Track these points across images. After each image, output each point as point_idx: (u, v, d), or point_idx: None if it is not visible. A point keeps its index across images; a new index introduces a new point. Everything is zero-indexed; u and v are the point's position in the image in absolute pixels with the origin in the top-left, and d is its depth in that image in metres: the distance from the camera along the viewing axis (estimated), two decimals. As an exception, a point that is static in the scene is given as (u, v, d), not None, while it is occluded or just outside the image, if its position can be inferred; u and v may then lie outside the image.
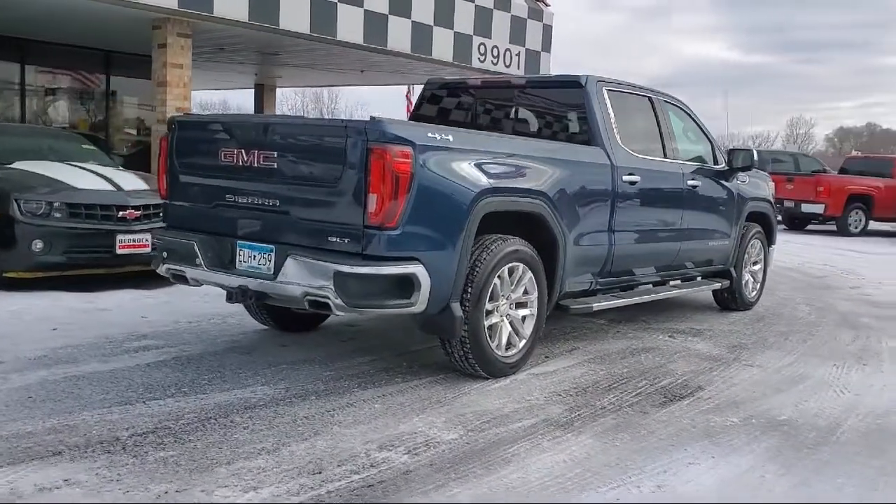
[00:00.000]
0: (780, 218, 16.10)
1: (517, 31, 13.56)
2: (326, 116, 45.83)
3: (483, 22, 12.83)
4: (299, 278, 4.54)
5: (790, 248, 13.96)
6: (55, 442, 3.71)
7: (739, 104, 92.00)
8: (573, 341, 6.30)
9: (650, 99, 6.79)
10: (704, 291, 7.71)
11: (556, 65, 14.17)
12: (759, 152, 13.19)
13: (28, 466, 3.44)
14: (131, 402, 4.34)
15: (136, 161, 10.71)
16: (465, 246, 4.73)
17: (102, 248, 7.27)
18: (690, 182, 6.92)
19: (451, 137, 4.69)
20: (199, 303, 7.06)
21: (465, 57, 12.63)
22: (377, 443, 3.90)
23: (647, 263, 6.60)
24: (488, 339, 4.98)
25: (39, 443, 3.70)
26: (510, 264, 5.06)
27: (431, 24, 11.87)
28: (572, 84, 6.10)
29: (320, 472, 3.52)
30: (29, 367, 4.93)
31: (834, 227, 19.39)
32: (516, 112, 6.53)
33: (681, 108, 7.27)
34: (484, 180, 4.82)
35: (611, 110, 6.13)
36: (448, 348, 4.98)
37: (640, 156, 6.32)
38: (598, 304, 5.96)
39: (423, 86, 7.01)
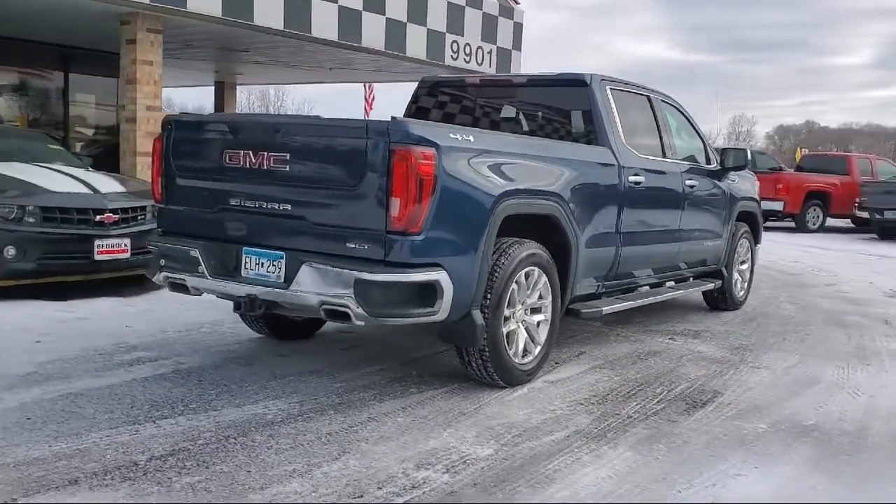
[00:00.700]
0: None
1: (489, 29, 13.41)
2: (275, 114, 45.36)
3: (456, 19, 12.64)
4: (316, 286, 4.30)
5: (758, 246, 14.06)
6: (69, 469, 3.43)
7: (682, 102, 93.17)
8: (578, 346, 6.16)
9: (648, 98, 6.70)
10: (696, 292, 7.64)
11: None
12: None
13: (45, 497, 3.16)
14: (139, 421, 4.06)
15: (99, 162, 10.25)
16: (487, 250, 4.55)
17: (79, 254, 6.90)
18: (688, 182, 6.84)
19: (471, 138, 4.50)
20: (181, 311, 6.75)
21: (439, 55, 12.44)
22: (412, 461, 3.70)
23: (648, 265, 6.50)
24: (506, 346, 4.81)
25: (52, 470, 3.41)
26: (527, 269, 4.89)
27: (405, 20, 11.65)
28: (576, 83, 5.96)
29: (362, 496, 3.31)
30: (19, 384, 4.60)
31: (792, 224, 19.68)
32: (518, 111, 6.36)
33: (674, 107, 7.19)
34: (504, 182, 4.65)
35: (615, 109, 6.01)
36: (465, 357, 4.80)
37: (643, 156, 6.22)
38: (608, 308, 5.84)
39: (416, 84, 6.79)
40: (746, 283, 8.42)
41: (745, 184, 8.09)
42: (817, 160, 22.67)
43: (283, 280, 4.51)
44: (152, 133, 9.29)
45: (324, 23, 10.43)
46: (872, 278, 11.41)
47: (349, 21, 10.79)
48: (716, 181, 7.40)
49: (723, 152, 7.53)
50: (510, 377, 4.88)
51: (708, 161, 7.42)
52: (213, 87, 17.30)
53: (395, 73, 13.84)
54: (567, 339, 6.31)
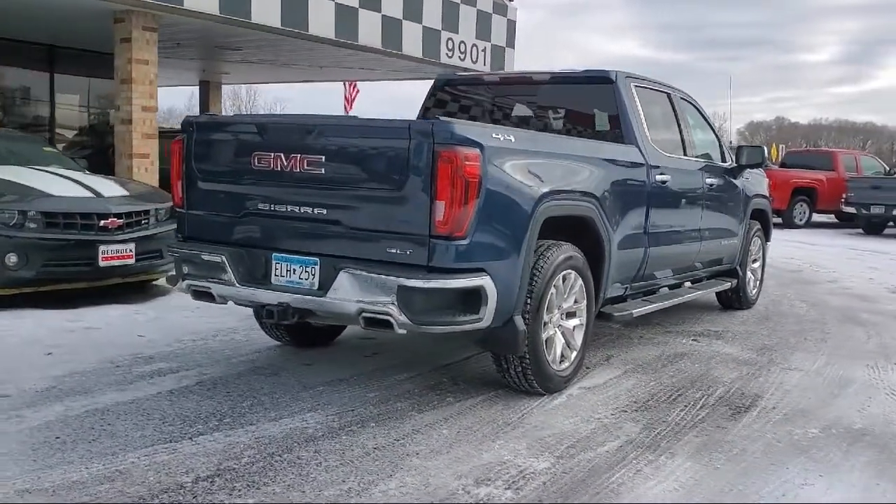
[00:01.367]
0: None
1: (483, 27, 13.25)
2: (247, 112, 44.91)
3: (450, 16, 12.47)
4: (355, 294, 4.12)
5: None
6: (113, 493, 3.23)
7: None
8: (604, 350, 6.02)
9: (668, 94, 6.58)
10: (712, 292, 7.52)
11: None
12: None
13: (93, 526, 2.96)
14: (175, 438, 3.86)
15: (91, 164, 9.95)
16: (528, 254, 4.40)
17: (84, 261, 6.64)
18: (708, 180, 6.74)
19: (512, 138, 4.34)
20: (191, 318, 6.53)
21: (434, 52, 12.26)
22: (470, 476, 3.53)
23: (669, 266, 6.38)
24: (546, 352, 4.66)
25: (95, 495, 3.21)
26: (564, 272, 4.75)
27: (401, 17, 11.45)
28: (601, 80, 5.82)
29: (427, 516, 3.14)
30: (39, 400, 4.38)
31: (779, 220, 19.72)
32: (539, 109, 6.21)
33: (691, 103, 7.08)
34: (545, 183, 4.50)
35: (640, 107, 5.88)
36: (504, 364, 4.64)
37: (668, 154, 6.10)
38: (638, 311, 5.71)
39: (432, 82, 6.62)
40: (758, 282, 8.34)
41: (757, 181, 8.01)
42: (801, 156, 22.77)
43: (317, 287, 4.33)
44: (148, 134, 9.06)
45: (321, 20, 10.21)
46: (871, 274, 11.42)
47: (346, 19, 10.58)
48: (732, 179, 7.31)
49: (738, 150, 7.43)
50: (549, 384, 4.73)
51: (723, 158, 7.32)
52: (196, 87, 16.99)
53: (388, 71, 13.64)
54: (592, 343, 6.15)
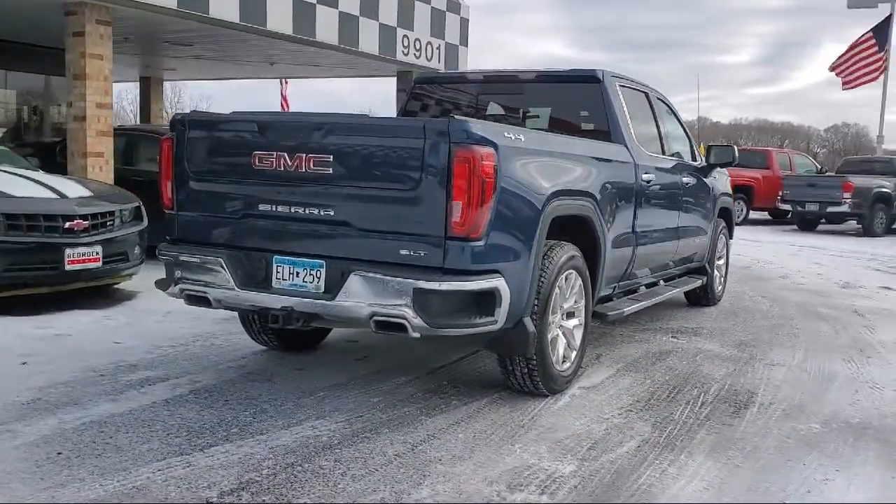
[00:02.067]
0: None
1: (437, 24, 13.17)
2: (184, 111, 43.95)
3: (406, 13, 12.35)
4: (367, 297, 4.01)
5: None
6: (138, 512, 3.06)
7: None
8: (592, 349, 6.01)
9: (646, 94, 6.62)
10: (687, 289, 7.61)
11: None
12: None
13: (126, 548, 2.80)
14: (186, 451, 3.69)
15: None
16: (538, 254, 4.36)
17: (49, 265, 6.33)
18: (684, 179, 6.82)
19: (522, 137, 4.29)
20: (165, 323, 6.31)
21: (390, 50, 12.11)
22: (501, 482, 3.47)
23: (650, 264, 6.42)
24: (551, 353, 4.63)
25: (119, 514, 3.04)
26: (566, 272, 4.72)
27: (358, 14, 11.29)
28: (588, 79, 5.82)
29: (470, 525, 3.07)
30: (28, 413, 4.15)
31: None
32: (525, 109, 6.17)
33: (664, 102, 7.15)
34: (552, 182, 4.47)
35: (625, 106, 5.91)
36: (509, 366, 4.59)
37: (650, 153, 6.14)
38: (629, 309, 5.74)
39: (413, 81, 6.53)
40: (723, 279, 8.50)
41: (722, 180, 8.15)
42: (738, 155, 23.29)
43: (322, 290, 4.20)
44: (103, 132, 8.72)
45: (279, 16, 9.98)
46: (817, 270, 11.76)
47: (303, 15, 10.37)
48: (703, 178, 7.41)
49: (708, 149, 7.55)
50: (554, 385, 4.70)
51: (693, 157, 7.42)
52: (136, 84, 16.47)
53: (331, 66, 13.43)
54: (578, 342, 6.16)
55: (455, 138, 3.86)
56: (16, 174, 6.93)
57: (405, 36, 12.32)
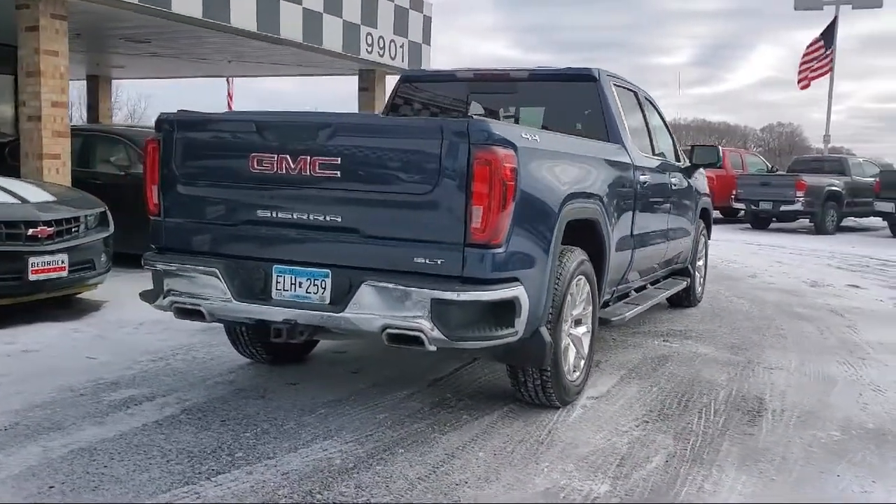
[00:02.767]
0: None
1: (401, 22, 12.89)
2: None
3: (369, 11, 12.04)
4: (378, 308, 3.76)
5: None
6: (153, 554, 2.77)
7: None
8: (588, 354, 5.86)
9: (635, 93, 6.48)
10: (674, 291, 7.51)
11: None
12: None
13: None
14: (191, 479, 3.40)
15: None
16: (554, 261, 4.16)
17: (11, 275, 5.90)
18: (672, 180, 6.71)
19: (538, 138, 4.08)
20: (138, 336, 5.96)
21: (354, 47, 11.79)
22: (538, 506, 3.26)
23: (642, 267, 6.29)
24: (563, 363, 4.44)
25: (133, 557, 2.74)
26: (577, 278, 4.53)
27: (321, 11, 10.95)
28: (584, 77, 5.65)
29: (518, 556, 2.85)
30: (9, 441, 3.79)
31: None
32: (505, 109, 5.97)
33: (650, 102, 7.03)
34: (566, 185, 4.29)
35: (620, 106, 5.75)
36: (521, 378, 4.38)
37: (644, 154, 6.01)
38: (629, 313, 5.58)
39: (397, 78, 6.28)
40: (703, 280, 8.43)
41: (701, 180, 8.09)
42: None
43: (328, 301, 3.94)
44: (59, 132, 8.27)
45: (243, 12, 9.59)
46: (780, 268, 11.86)
47: (267, 11, 10.00)
48: (687, 179, 7.32)
49: (692, 149, 7.45)
50: (566, 396, 4.51)
51: (676, 157, 7.32)
52: (83, 82, 15.84)
53: (301, 66, 13.08)
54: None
55: (475, 139, 3.63)
56: (-28, 178, 6.49)
57: (369, 34, 12.02)
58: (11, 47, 8.96)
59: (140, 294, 4.42)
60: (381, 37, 12.30)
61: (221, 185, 4.14)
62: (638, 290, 6.60)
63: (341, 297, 3.88)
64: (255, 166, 3.99)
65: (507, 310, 3.82)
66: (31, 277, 5.98)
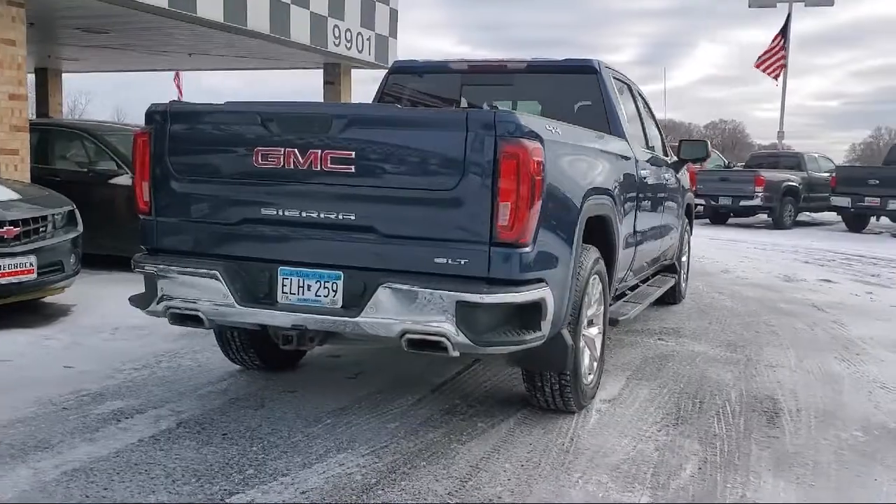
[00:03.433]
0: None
1: (367, 15, 12.57)
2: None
3: (337, 2, 11.70)
4: (397, 312, 3.52)
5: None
6: (180, 590, 2.49)
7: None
8: (589, 354, 5.68)
9: (629, 86, 6.33)
10: (666, 288, 7.39)
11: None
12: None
13: None
14: (202, 502, 3.12)
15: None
16: (576, 260, 3.97)
17: (-25, 278, 5.51)
18: (665, 175, 6.59)
19: (560, 130, 3.87)
20: (115, 342, 5.62)
21: (321, 40, 11.44)
22: (582, 522, 3.06)
23: (637, 265, 6.13)
24: (581, 366, 4.25)
25: None
26: (592, 277, 4.34)
27: (289, 2, 10.59)
28: (585, 70, 5.47)
29: (577, 580, 2.64)
30: (-7, 462, 3.46)
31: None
32: (514, 101, 5.77)
33: (641, 96, 6.88)
34: (586, 180, 4.10)
35: (620, 99, 5.59)
36: (538, 382, 4.18)
37: (642, 149, 5.86)
38: (633, 312, 5.42)
39: (388, 70, 6.02)
40: (686, 275, 8.35)
41: (685, 176, 7.99)
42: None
43: (339, 305, 3.68)
44: (17, 127, 7.82)
45: (209, 2, 9.21)
46: (751, 263, 11.87)
47: (234, 1, 9.62)
48: (676, 174, 7.20)
49: (680, 144, 7.32)
50: (583, 400, 4.33)
51: (665, 152, 7.19)
52: (31, 75, 15.17)
53: (265, 59, 12.68)
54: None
55: (502, 131, 3.41)
56: (-72, 175, 6.05)
57: (336, 26, 11.69)
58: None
59: (130, 299, 4.10)
60: (348, 29, 11.98)
61: (221, 181, 3.85)
62: (631, 288, 6.46)
63: (355, 301, 3.63)
64: (260, 161, 3.71)
65: (533, 312, 3.61)
66: (-2, 281, 5.58)
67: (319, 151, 3.61)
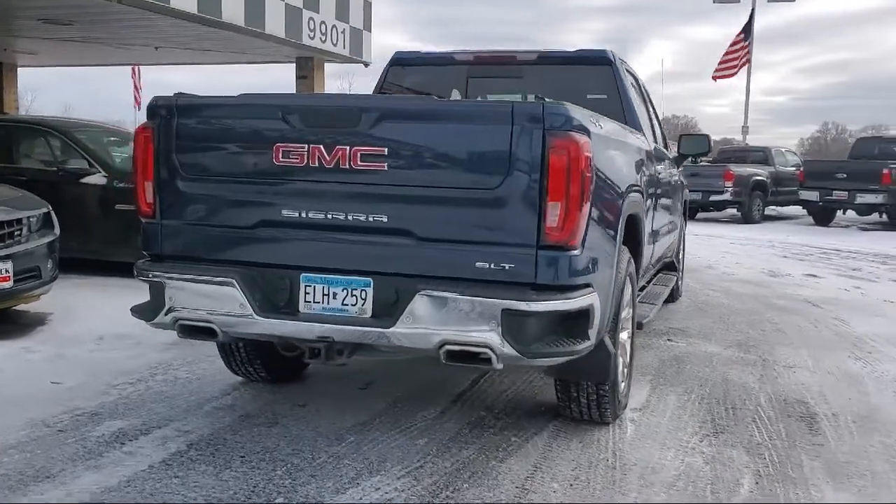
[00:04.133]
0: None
1: (342, 7, 12.20)
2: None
3: (312, -6, 11.34)
4: (436, 322, 3.23)
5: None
6: None
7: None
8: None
9: (636, 78, 6.11)
10: (670, 287, 7.20)
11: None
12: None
13: None
14: (236, 538, 2.81)
15: None
16: (618, 262, 3.72)
17: (-53, 287, 5.08)
18: (671, 171, 6.40)
19: (602, 125, 3.62)
20: (101, 353, 5.25)
21: (296, 32, 11.06)
22: (655, 549, 2.81)
23: (651, 263, 5.92)
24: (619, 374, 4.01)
25: None
26: (626, 279, 4.10)
27: (263, -7, 10.21)
28: (598, 60, 5.24)
29: None
30: (-10, 496, 3.10)
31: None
32: (525, 94, 5.50)
33: (644, 88, 6.67)
34: (625, 177, 3.86)
35: (634, 91, 5.37)
36: (573, 392, 3.93)
37: (653, 143, 5.64)
38: (652, 313, 5.22)
39: (388, 62, 5.72)
40: (682, 273, 8.19)
41: (681, 171, 7.81)
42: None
43: (369, 315, 3.39)
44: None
45: (183, -7, 8.79)
46: (732, 259, 11.80)
47: (208, -9, 9.22)
48: (677, 169, 7.02)
49: (680, 138, 7.13)
50: (618, 410, 4.10)
51: (666, 147, 7.00)
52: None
53: (235, 52, 12.24)
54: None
55: (551, 124, 3.14)
56: None
57: (311, 18, 11.31)
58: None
59: (132, 310, 3.75)
60: (322, 22, 11.61)
61: (237, 180, 3.52)
62: (640, 288, 6.25)
63: (386, 310, 3.34)
64: (280, 158, 3.40)
65: (581, 320, 3.36)
66: (-28, 289, 5.16)
67: (348, 148, 3.30)
